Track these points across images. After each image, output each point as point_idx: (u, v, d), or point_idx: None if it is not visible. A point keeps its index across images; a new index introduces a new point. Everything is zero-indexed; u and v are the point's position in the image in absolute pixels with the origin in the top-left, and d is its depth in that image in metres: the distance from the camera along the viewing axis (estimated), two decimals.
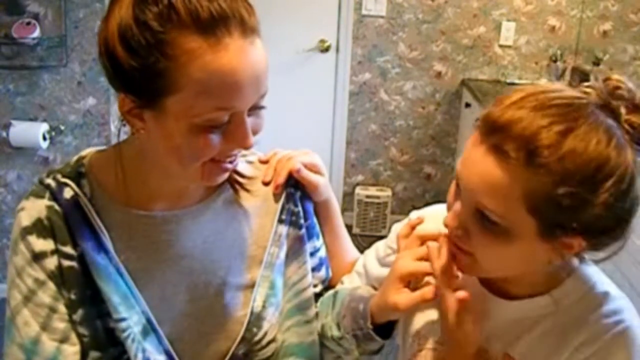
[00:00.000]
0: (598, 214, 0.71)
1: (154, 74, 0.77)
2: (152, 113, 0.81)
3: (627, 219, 0.75)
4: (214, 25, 0.76)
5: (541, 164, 0.70)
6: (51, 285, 0.87)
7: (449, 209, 0.82)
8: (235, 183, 1.00)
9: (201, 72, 0.76)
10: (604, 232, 0.75)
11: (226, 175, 0.90)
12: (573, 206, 0.71)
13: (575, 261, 0.85)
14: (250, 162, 1.04)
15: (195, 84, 0.76)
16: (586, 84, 0.78)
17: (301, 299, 1.01)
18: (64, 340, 0.87)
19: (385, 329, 0.94)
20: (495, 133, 0.73)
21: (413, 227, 0.95)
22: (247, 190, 1.01)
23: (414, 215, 0.99)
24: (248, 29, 0.79)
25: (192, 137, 0.79)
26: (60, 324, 0.88)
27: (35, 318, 0.87)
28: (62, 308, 0.88)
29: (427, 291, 0.86)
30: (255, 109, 0.84)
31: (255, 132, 0.85)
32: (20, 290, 0.88)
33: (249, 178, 1.02)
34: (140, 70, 0.78)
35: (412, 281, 0.91)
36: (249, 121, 0.83)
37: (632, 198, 0.74)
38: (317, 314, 1.03)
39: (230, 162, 0.87)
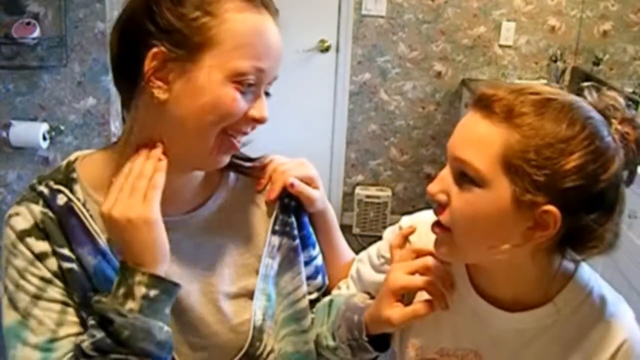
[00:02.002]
0: (570, 182, 0.73)
1: (198, 26, 0.82)
2: (182, 69, 0.83)
3: (601, 207, 0.76)
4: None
5: (519, 119, 0.75)
6: (58, 283, 0.87)
7: None
8: (241, 168, 1.01)
9: (243, 26, 0.84)
10: (576, 212, 0.75)
11: (228, 157, 0.91)
12: (545, 164, 0.73)
13: (571, 267, 0.85)
14: (247, 168, 1.04)
15: (237, 35, 0.83)
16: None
17: (296, 309, 1.01)
18: (80, 333, 0.86)
19: (382, 339, 0.94)
20: (484, 99, 0.78)
21: (405, 237, 0.95)
22: (252, 176, 1.01)
23: (405, 222, 0.98)
24: (276, 18, 0.90)
25: (222, 89, 0.83)
26: (75, 317, 0.87)
27: (49, 315, 0.86)
28: (73, 303, 0.87)
29: (421, 307, 0.87)
30: (265, 94, 0.89)
31: None
32: (27, 290, 0.86)
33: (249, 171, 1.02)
34: (185, 22, 0.83)
35: (406, 294, 0.90)
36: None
37: (607, 187, 0.75)
38: (312, 323, 1.03)
39: (239, 141, 0.90)
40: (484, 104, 0.77)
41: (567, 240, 0.78)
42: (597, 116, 0.77)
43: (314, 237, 1.07)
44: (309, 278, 1.04)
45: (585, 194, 0.74)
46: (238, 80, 0.83)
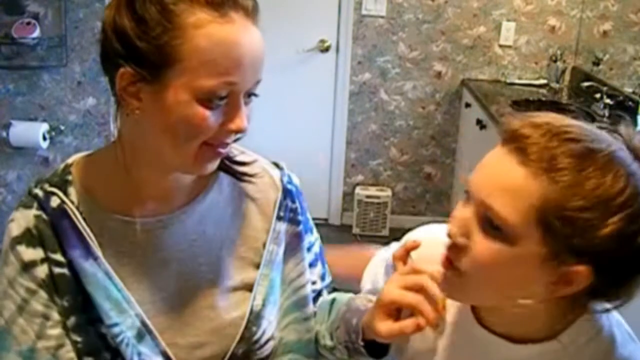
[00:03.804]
0: (606, 245, 0.70)
1: (159, 45, 0.79)
2: (151, 88, 0.81)
3: (635, 269, 0.73)
4: (222, 3, 0.80)
5: (560, 173, 0.69)
6: (43, 294, 0.88)
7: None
8: (236, 173, 0.99)
9: (206, 41, 0.79)
10: (610, 272, 0.72)
11: (216, 163, 0.89)
12: (582, 226, 0.69)
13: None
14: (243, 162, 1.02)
15: (200, 52, 0.79)
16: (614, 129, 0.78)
17: (299, 296, 1.01)
18: (59, 347, 0.88)
19: (379, 345, 0.93)
20: (517, 139, 0.72)
21: (408, 250, 0.92)
22: (249, 182, 1.00)
23: (411, 236, 0.96)
24: (250, 15, 0.83)
25: (191, 110, 0.80)
26: (54, 331, 0.88)
27: (31, 326, 0.87)
28: (55, 315, 0.88)
29: (409, 325, 0.83)
30: (248, 96, 0.86)
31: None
32: (14, 300, 0.88)
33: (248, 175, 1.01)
34: (147, 40, 0.79)
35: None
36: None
37: None
38: (314, 313, 1.03)
39: (223, 148, 0.87)
40: (518, 146, 0.72)
41: (591, 294, 0.74)
42: (637, 170, 0.72)
43: (311, 222, 1.07)
44: (310, 265, 1.04)
45: (621, 255, 0.70)
46: (207, 98, 0.80)
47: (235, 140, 0.96)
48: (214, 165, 0.89)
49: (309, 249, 1.05)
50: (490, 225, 0.72)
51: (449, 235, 0.76)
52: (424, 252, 0.89)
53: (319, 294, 1.07)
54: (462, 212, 0.75)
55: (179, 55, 0.79)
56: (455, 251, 0.76)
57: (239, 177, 0.99)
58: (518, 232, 0.71)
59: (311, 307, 1.02)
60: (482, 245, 0.73)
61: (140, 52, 0.80)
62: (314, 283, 1.05)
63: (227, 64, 0.80)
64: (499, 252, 0.72)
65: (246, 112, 0.85)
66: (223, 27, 0.80)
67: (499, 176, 0.72)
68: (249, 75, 0.83)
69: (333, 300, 1.03)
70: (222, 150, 0.87)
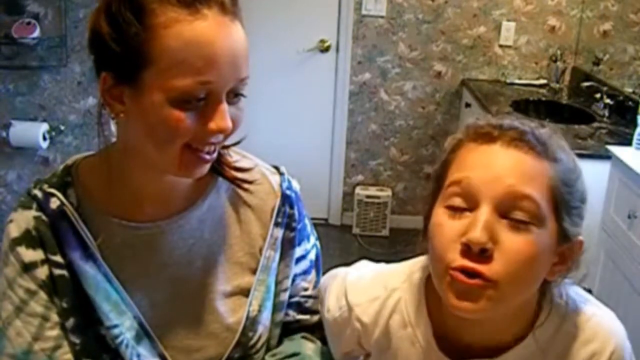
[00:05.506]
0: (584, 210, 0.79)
1: (133, 47, 0.78)
2: (131, 91, 0.81)
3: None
4: (195, 0, 0.78)
5: (555, 152, 0.76)
6: (43, 295, 0.88)
7: (449, 245, 0.73)
8: (235, 179, 0.98)
9: (176, 40, 0.77)
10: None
11: (205, 168, 0.87)
12: (580, 197, 0.76)
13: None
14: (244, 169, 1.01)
15: (171, 52, 0.77)
16: None
17: (278, 299, 1.01)
18: (56, 348, 0.88)
19: None
20: (505, 132, 0.76)
21: None
22: (247, 190, 0.99)
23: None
24: (228, 10, 0.81)
25: (166, 112, 0.78)
26: (52, 332, 0.88)
27: (27, 328, 0.87)
28: (54, 316, 0.88)
29: None
30: (235, 95, 0.84)
31: (234, 123, 0.83)
32: (12, 301, 0.88)
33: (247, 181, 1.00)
34: (121, 43, 0.79)
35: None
36: (228, 110, 0.82)
37: None
38: (283, 322, 1.03)
39: (209, 153, 0.85)
40: (512, 137, 0.75)
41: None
42: None
43: (309, 229, 1.06)
44: (304, 272, 1.04)
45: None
46: (182, 98, 0.78)
47: (236, 144, 0.96)
48: (202, 170, 0.87)
49: (304, 257, 1.04)
50: (516, 216, 0.72)
51: (476, 244, 0.70)
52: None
53: (309, 298, 1.06)
54: (479, 217, 0.71)
55: (152, 57, 0.78)
56: (484, 260, 0.71)
57: (237, 183, 0.98)
58: (545, 214, 0.73)
59: (281, 314, 1.02)
60: (513, 241, 0.71)
61: (117, 55, 0.80)
62: (305, 289, 1.05)
63: (199, 64, 0.77)
64: (530, 242, 0.72)
65: (234, 112, 0.83)
66: (193, 25, 0.77)
67: (516, 165, 0.74)
68: (228, 74, 0.80)
69: (297, 354, 1.00)
70: (207, 157, 0.85)
